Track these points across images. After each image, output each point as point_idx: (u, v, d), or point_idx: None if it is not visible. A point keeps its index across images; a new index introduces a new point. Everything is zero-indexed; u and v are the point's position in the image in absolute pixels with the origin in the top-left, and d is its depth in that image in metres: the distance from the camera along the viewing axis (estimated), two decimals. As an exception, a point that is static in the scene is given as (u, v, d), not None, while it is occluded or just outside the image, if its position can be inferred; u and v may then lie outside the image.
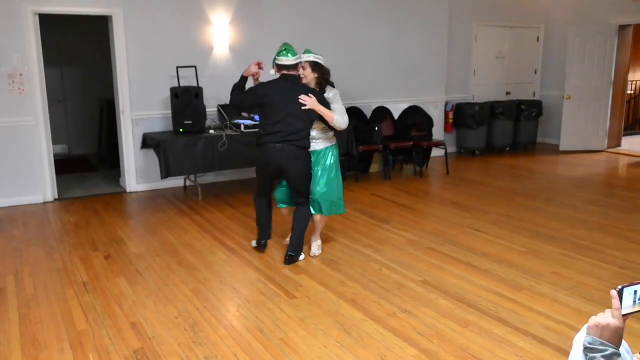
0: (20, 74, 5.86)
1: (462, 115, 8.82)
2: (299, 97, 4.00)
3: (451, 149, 8.83)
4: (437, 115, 8.56)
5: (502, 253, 4.42)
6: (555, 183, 7.02)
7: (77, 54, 9.05)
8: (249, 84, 4.24)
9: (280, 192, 4.38)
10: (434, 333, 3.13)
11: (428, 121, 7.70)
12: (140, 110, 6.50)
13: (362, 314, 3.38)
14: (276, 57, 4.11)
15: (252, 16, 6.93)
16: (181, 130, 6.20)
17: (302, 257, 4.30)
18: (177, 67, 6.30)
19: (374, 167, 7.74)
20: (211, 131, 6.28)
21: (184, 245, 4.69)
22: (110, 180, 7.19)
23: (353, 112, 7.49)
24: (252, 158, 5.52)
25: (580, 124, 9.05)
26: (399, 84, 8.27)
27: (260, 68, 4.25)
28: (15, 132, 5.93)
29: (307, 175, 4.17)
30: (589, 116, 9.02)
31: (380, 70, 8.06)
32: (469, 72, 9.27)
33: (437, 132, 8.46)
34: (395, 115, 7.73)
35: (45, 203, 6.13)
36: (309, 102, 3.99)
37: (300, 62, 4.17)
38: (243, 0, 6.85)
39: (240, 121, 6.33)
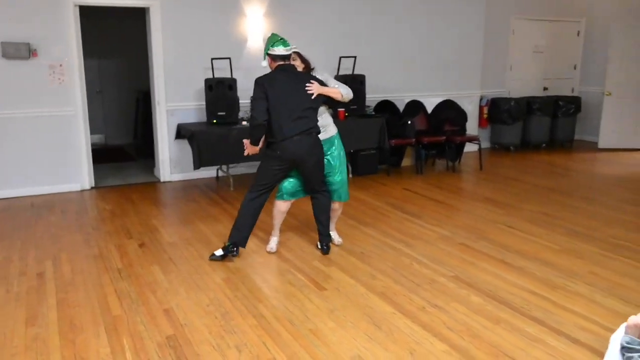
0: (61, 65, 6.00)
1: (497, 111, 8.67)
2: (305, 85, 3.92)
3: (485, 144, 8.70)
4: (471, 110, 8.44)
5: (537, 251, 4.33)
6: (593, 181, 6.84)
7: (115, 45, 9.23)
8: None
9: (288, 185, 4.18)
10: (464, 329, 3.10)
11: (462, 116, 7.60)
12: (175, 101, 6.59)
13: (392, 307, 3.36)
14: (270, 47, 3.93)
15: (287, 8, 6.94)
16: (215, 121, 6.27)
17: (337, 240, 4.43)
18: (212, 59, 6.36)
19: (406, 162, 7.69)
20: (244, 122, 6.33)
21: (215, 234, 4.74)
22: (145, 170, 7.32)
23: (386, 106, 7.46)
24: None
25: (621, 121, 8.80)
26: (433, 78, 8.18)
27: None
28: (55, 122, 6.09)
29: (323, 163, 4.12)
30: (630, 113, 8.76)
31: (414, 64, 7.98)
32: (505, 66, 9.10)
33: (471, 127, 8.35)
34: (429, 110, 7.64)
35: (82, 191, 6.29)
36: (314, 88, 3.94)
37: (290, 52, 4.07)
38: (278, -7, 6.87)
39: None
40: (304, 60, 4.21)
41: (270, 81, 3.88)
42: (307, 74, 4.09)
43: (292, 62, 4.08)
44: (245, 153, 4.06)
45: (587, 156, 8.43)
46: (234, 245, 4.10)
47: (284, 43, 3.93)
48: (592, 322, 3.18)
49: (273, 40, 3.94)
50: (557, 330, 3.08)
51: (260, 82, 3.87)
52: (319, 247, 4.31)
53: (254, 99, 3.88)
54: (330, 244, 4.33)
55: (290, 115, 3.86)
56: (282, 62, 3.95)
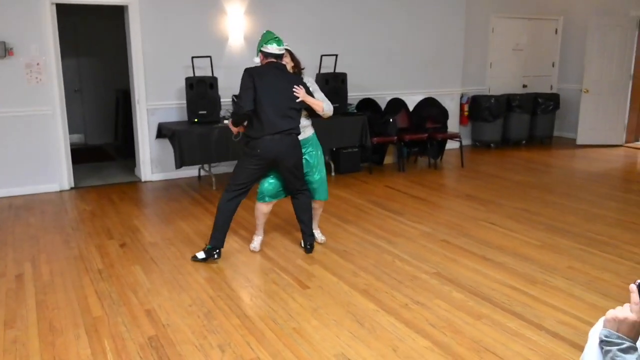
0: (38, 64, 5.91)
1: (477, 108, 8.75)
2: (293, 87, 3.92)
3: (466, 141, 8.77)
4: (452, 107, 8.50)
5: (517, 247, 4.38)
6: (572, 177, 6.94)
7: (93, 44, 9.12)
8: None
9: (269, 187, 4.14)
10: (446, 325, 3.12)
11: (443, 113, 7.65)
12: (155, 100, 6.53)
13: (374, 305, 3.38)
14: (263, 44, 3.92)
15: (267, 6, 6.92)
16: (196, 120, 6.22)
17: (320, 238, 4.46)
18: (192, 58, 6.31)
19: (388, 159, 7.72)
20: (225, 121, 6.29)
21: (198, 234, 4.72)
22: (125, 170, 7.25)
23: (367, 104, 7.47)
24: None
25: (599, 118, 8.93)
26: (415, 75, 8.22)
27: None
28: (33, 121, 5.99)
29: (302, 163, 4.12)
30: (607, 110, 8.90)
31: (395, 62, 8.01)
32: (485, 64, 9.18)
33: (453, 125, 8.41)
34: (411, 107, 7.68)
35: (61, 192, 6.21)
36: (301, 94, 3.95)
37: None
38: (259, -9, 6.84)
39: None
40: (294, 59, 4.19)
41: (260, 74, 3.86)
42: (297, 76, 4.08)
43: (284, 59, 4.07)
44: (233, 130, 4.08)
45: (566, 152, 8.55)
46: (215, 248, 4.05)
47: (278, 42, 3.92)
48: (572, 316, 3.23)
49: (267, 37, 3.93)
50: (537, 324, 3.12)
51: (250, 72, 3.85)
52: (303, 246, 4.31)
53: (242, 88, 3.84)
54: (314, 242, 4.33)
55: (275, 112, 3.84)
56: (273, 59, 3.94)
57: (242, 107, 3.81)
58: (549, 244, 4.45)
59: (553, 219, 5.11)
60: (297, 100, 3.94)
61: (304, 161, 4.16)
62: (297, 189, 4.16)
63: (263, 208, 4.24)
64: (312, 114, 4.17)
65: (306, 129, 4.21)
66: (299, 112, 4.02)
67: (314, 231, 4.43)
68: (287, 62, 4.12)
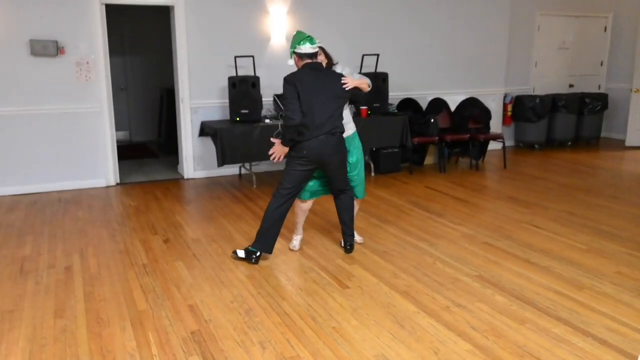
0: (87, 62, 6.10)
1: (521, 108, 8.56)
2: (335, 84, 3.90)
3: (509, 142, 8.61)
4: (495, 107, 8.35)
5: (563, 250, 4.28)
6: (620, 180, 6.72)
7: (139, 43, 9.35)
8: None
9: (311, 184, 4.15)
10: (489, 329, 3.07)
11: (486, 114, 7.52)
12: (199, 98, 6.64)
13: (415, 306, 3.35)
14: (296, 45, 3.88)
15: (309, 6, 6.95)
16: (238, 119, 6.30)
17: (358, 238, 4.45)
18: (235, 57, 6.39)
19: (429, 160, 7.64)
20: (267, 120, 6.36)
21: (239, 231, 4.78)
22: (168, 167, 7.40)
23: (409, 104, 7.42)
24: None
25: (649, 118, 8.62)
26: (457, 75, 8.11)
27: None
28: (81, 118, 6.19)
29: (346, 162, 4.10)
30: (658, 111, 8.57)
31: (437, 61, 7.92)
32: (530, 63, 8.99)
33: (495, 125, 8.26)
34: (452, 107, 7.57)
35: (108, 187, 6.39)
36: (349, 82, 3.93)
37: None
38: (301, -10, 6.88)
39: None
40: (327, 55, 4.20)
41: (300, 79, 3.82)
42: (335, 72, 4.07)
43: (318, 57, 4.05)
44: (273, 157, 3.98)
45: (613, 154, 8.28)
46: (256, 252, 4.04)
47: (311, 40, 3.88)
48: (620, 323, 3.13)
49: (299, 38, 3.89)
50: (584, 331, 3.04)
51: (290, 81, 3.80)
52: (343, 246, 4.31)
53: (286, 99, 3.81)
54: (354, 243, 4.33)
55: (321, 114, 3.81)
56: (309, 60, 3.90)
57: (292, 118, 3.75)
58: (595, 248, 4.33)
59: (600, 222, 4.97)
60: (347, 88, 3.91)
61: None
62: (341, 188, 4.15)
63: (303, 205, 4.25)
64: (358, 99, 4.17)
65: (348, 125, 4.20)
66: (341, 109, 4.01)
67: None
68: (322, 59, 4.12)
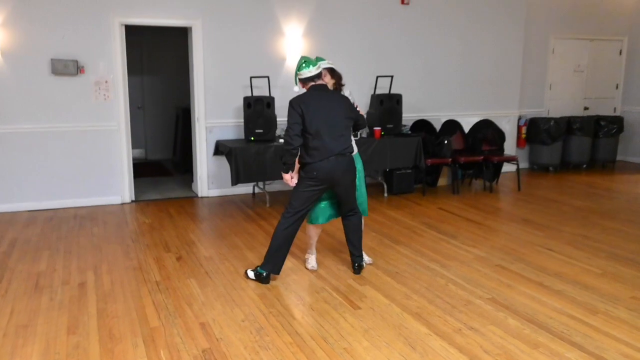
0: (106, 82, 6.22)
1: (536, 130, 8.54)
2: (341, 104, 3.95)
3: (523, 164, 8.57)
4: (509, 129, 8.34)
5: (577, 274, 4.23)
6: (636, 203, 6.65)
7: (157, 63, 9.51)
8: None
9: (321, 209, 4.17)
10: (501, 352, 3.04)
11: (500, 135, 7.52)
12: (214, 118, 6.73)
13: (427, 328, 3.33)
14: (298, 72, 3.96)
15: (324, 28, 7.04)
16: (252, 138, 6.37)
17: (367, 259, 4.41)
18: (251, 77, 6.48)
19: (442, 181, 7.63)
20: (281, 140, 6.40)
21: (251, 250, 4.80)
22: (183, 185, 7.47)
23: (422, 125, 7.44)
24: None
25: (666, 142, 8.55)
26: (471, 97, 8.13)
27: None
28: (98, 136, 6.29)
29: (356, 182, 4.11)
30: (675, 134, 8.50)
31: (451, 83, 7.96)
32: (544, 86, 8.98)
33: (509, 147, 8.24)
34: (466, 129, 7.58)
35: (123, 204, 6.46)
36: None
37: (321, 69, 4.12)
38: (316, 14, 6.97)
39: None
40: (334, 75, 4.22)
41: (305, 102, 3.85)
42: (339, 92, 4.11)
43: (323, 78, 4.10)
44: (286, 182, 4.05)
45: (629, 177, 8.21)
46: (266, 273, 4.04)
47: (311, 63, 3.93)
48: (636, 349, 3.08)
49: (299, 64, 3.96)
50: (599, 356, 3.00)
51: (295, 105, 3.84)
52: (352, 267, 4.30)
53: (288, 123, 3.85)
54: (363, 263, 4.31)
55: (330, 135, 3.85)
56: (313, 83, 3.96)
57: (291, 143, 3.81)
58: (610, 272, 4.28)
59: (615, 246, 4.91)
60: (347, 116, 3.96)
61: None
62: (350, 209, 4.15)
63: (313, 229, 4.29)
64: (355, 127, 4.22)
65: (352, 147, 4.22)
66: (349, 130, 4.04)
67: None
68: (327, 80, 4.16)
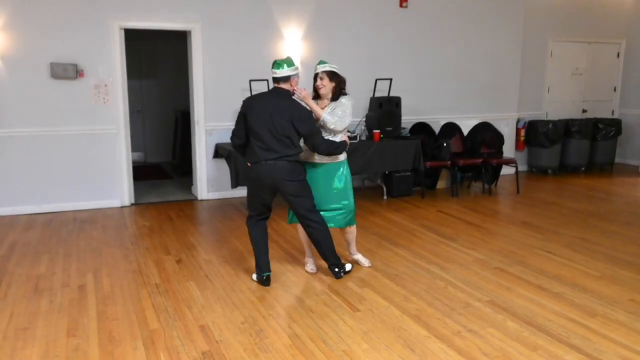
0: (105, 85, 6.23)
1: (534, 133, 8.57)
2: (296, 107, 3.84)
3: (522, 167, 8.59)
4: (508, 132, 8.37)
5: (576, 277, 4.24)
6: (635, 206, 6.67)
7: (156, 66, 9.53)
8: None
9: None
10: (500, 355, 3.05)
11: (498, 138, 7.54)
12: (213, 121, 6.74)
13: (426, 331, 3.34)
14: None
15: (324, 31, 7.06)
16: (252, 141, 6.37)
17: (349, 267, 4.30)
18: (250, 80, 6.50)
19: (442, 184, 7.65)
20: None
21: (251, 253, 4.76)
22: (182, 188, 7.48)
23: (421, 128, 7.45)
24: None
25: (664, 145, 8.58)
26: (470, 100, 8.16)
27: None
28: (98, 139, 6.30)
29: (306, 192, 3.98)
30: (673, 137, 8.53)
31: (450, 86, 7.98)
32: (542, 89, 9.01)
33: (508, 150, 8.26)
34: (465, 132, 7.61)
35: (122, 207, 6.47)
36: (303, 93, 3.94)
37: (318, 72, 4.10)
38: (315, 17, 7.00)
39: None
40: (333, 79, 4.10)
41: (252, 103, 3.89)
42: (292, 102, 3.90)
43: (319, 82, 4.09)
44: None
45: (628, 180, 8.23)
46: (262, 275, 4.07)
47: (280, 65, 3.87)
48: (634, 352, 3.09)
49: (274, 62, 3.93)
50: (597, 358, 3.01)
51: (244, 103, 3.94)
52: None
53: (236, 121, 3.97)
54: (344, 266, 4.22)
55: (269, 140, 3.79)
56: (276, 85, 3.93)
57: (232, 141, 4.00)
58: (609, 275, 4.29)
59: (614, 249, 4.93)
60: (294, 97, 3.91)
61: (335, 183, 4.13)
62: (301, 215, 4.01)
63: (300, 230, 4.29)
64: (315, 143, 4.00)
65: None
66: (293, 137, 3.85)
67: (355, 256, 4.47)
68: (325, 84, 4.09)
